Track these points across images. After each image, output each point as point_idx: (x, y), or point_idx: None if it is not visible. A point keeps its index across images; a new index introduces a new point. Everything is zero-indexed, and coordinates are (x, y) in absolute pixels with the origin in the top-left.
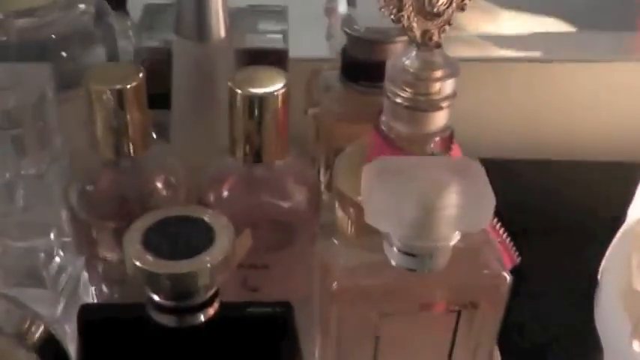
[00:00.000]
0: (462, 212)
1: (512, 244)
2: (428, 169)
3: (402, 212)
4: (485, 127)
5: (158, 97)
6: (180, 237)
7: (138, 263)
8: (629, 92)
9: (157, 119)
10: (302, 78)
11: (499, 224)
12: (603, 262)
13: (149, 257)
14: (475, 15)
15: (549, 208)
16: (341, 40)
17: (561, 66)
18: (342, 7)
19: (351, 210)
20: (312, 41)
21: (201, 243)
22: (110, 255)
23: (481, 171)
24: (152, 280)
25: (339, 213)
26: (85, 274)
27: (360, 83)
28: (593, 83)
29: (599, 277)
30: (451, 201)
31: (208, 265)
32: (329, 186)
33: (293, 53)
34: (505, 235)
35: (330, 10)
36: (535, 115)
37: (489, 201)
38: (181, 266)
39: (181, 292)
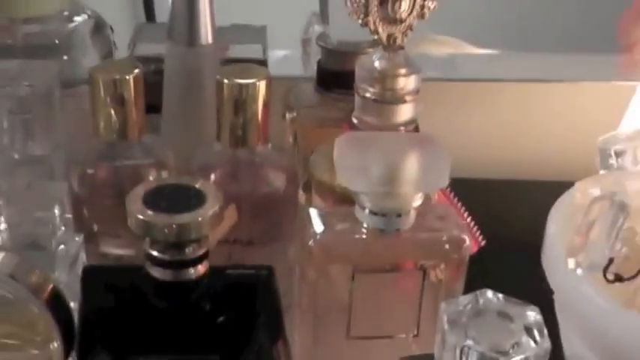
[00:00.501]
0: (422, 174)
1: (476, 228)
2: (391, 139)
3: (369, 173)
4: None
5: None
6: (176, 197)
7: (140, 217)
8: (591, 112)
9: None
10: (279, 93)
11: (463, 209)
12: (550, 212)
13: (149, 212)
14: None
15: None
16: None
17: (526, 86)
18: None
19: (328, 197)
20: (289, 63)
21: (194, 202)
22: (107, 233)
23: (437, 142)
24: (152, 232)
25: (317, 201)
26: (83, 254)
27: (334, 91)
28: (557, 103)
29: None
30: (412, 164)
31: (200, 218)
32: (306, 187)
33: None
34: (470, 220)
35: (306, 41)
36: (501, 135)
37: (445, 165)
38: (177, 219)
39: (176, 244)
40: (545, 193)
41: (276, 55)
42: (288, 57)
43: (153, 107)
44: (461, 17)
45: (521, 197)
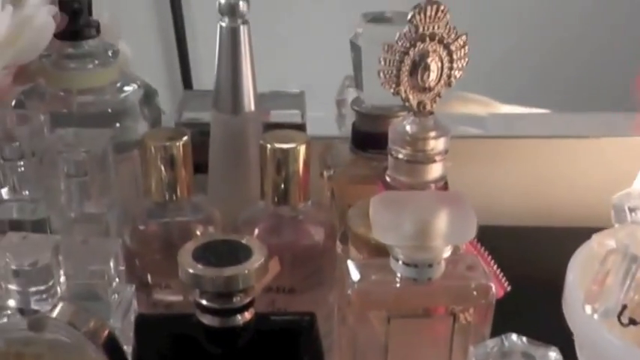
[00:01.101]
0: (451, 228)
1: (502, 274)
2: (422, 197)
3: (402, 228)
4: (482, 197)
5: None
6: (224, 252)
7: (190, 270)
8: (611, 165)
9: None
10: (316, 151)
11: (490, 257)
12: (570, 261)
13: (199, 266)
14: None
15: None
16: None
17: (553, 142)
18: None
19: (364, 248)
20: (325, 123)
21: (240, 256)
22: (157, 284)
23: (465, 199)
24: (202, 284)
25: (353, 252)
26: (135, 302)
27: (368, 151)
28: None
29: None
30: (441, 219)
31: (246, 271)
32: (342, 238)
33: (309, 132)
34: (495, 266)
35: (340, 102)
36: (526, 186)
37: (472, 220)
38: (225, 271)
39: (224, 294)
40: (566, 238)
41: (313, 116)
42: (324, 118)
43: (198, 166)
44: (490, 78)
45: (544, 243)
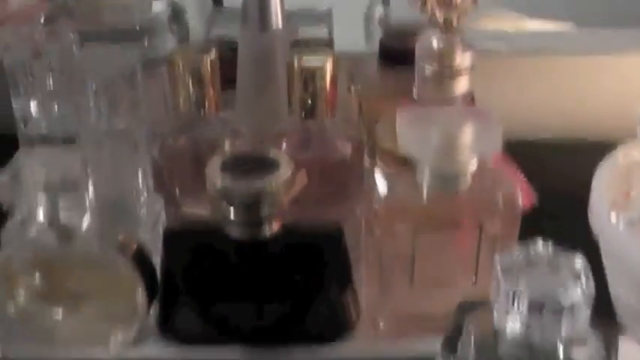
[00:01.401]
0: (476, 141)
1: (529, 186)
2: (448, 111)
3: (428, 142)
4: (509, 111)
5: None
6: (251, 165)
7: (218, 183)
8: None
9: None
10: (344, 67)
11: (518, 170)
12: (596, 172)
13: (227, 179)
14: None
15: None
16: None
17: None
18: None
19: (391, 162)
20: (353, 39)
21: (268, 169)
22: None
23: (491, 113)
24: (229, 196)
25: (381, 166)
26: (163, 213)
27: (394, 66)
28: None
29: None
30: (467, 133)
31: (274, 183)
32: (370, 153)
33: (337, 48)
34: (524, 179)
35: (368, 18)
36: (547, 101)
37: (497, 132)
38: (252, 183)
39: (252, 205)
40: (594, 152)
41: (341, 32)
42: (352, 34)
43: (227, 82)
44: None
45: (571, 156)
